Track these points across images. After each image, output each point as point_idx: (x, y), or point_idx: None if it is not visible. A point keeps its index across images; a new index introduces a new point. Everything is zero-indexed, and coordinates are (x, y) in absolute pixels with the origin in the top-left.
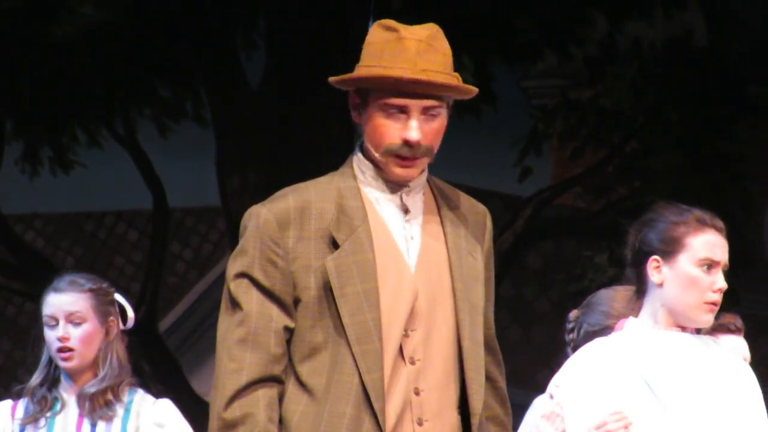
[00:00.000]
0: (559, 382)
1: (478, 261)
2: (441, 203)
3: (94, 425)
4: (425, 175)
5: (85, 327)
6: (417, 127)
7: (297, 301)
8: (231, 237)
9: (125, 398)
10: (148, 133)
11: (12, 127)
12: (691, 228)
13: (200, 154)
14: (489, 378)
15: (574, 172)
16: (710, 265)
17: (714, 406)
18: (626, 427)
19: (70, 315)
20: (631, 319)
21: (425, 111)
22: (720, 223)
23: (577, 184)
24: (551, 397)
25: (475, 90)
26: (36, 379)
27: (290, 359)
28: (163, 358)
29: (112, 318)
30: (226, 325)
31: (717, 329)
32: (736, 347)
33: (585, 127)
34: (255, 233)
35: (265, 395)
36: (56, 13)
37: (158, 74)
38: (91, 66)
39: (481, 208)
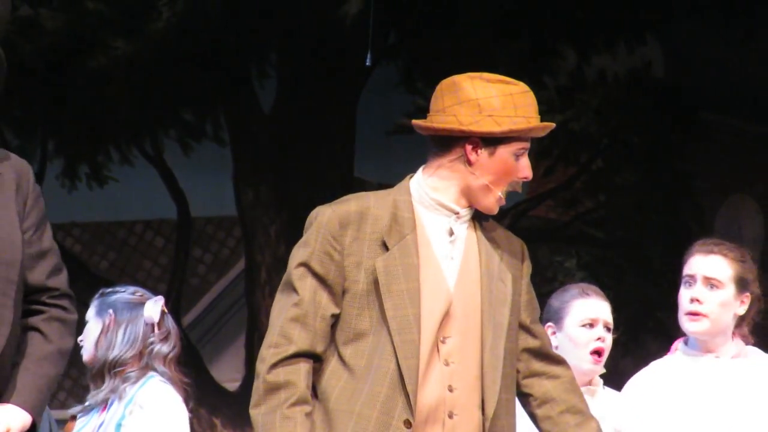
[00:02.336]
0: (620, 410)
1: (507, 287)
2: (480, 233)
3: (108, 409)
4: (472, 209)
5: (86, 326)
6: (525, 164)
7: (346, 292)
8: (246, 243)
9: (136, 385)
10: (173, 152)
11: (53, 146)
12: (686, 256)
13: (219, 170)
14: (554, 376)
15: (547, 187)
16: (688, 280)
17: (748, 422)
18: None
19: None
20: (680, 342)
21: (520, 150)
22: (710, 246)
23: (550, 197)
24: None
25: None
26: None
27: (335, 341)
28: (186, 349)
29: (109, 312)
30: (282, 305)
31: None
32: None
33: (556, 148)
34: (318, 229)
35: (305, 367)
36: (93, 47)
37: (182, 101)
38: (123, 93)
39: (519, 241)
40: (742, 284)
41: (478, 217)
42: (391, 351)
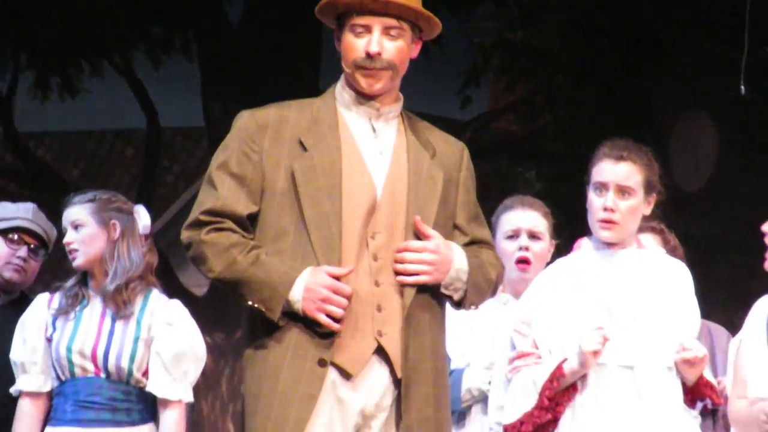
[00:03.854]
0: (527, 301)
1: (437, 185)
2: (410, 132)
3: (114, 321)
4: (398, 107)
5: (85, 230)
6: (377, 42)
7: (265, 191)
8: (213, 153)
9: (140, 298)
10: (144, 65)
11: (25, 59)
12: (594, 159)
13: (188, 83)
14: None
15: (508, 101)
16: (599, 187)
17: (653, 310)
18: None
19: (73, 222)
20: (585, 239)
21: (386, 31)
22: (619, 152)
23: (510, 111)
24: (526, 307)
25: (433, 18)
26: (71, 279)
27: (256, 238)
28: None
29: (113, 222)
30: (202, 198)
31: (643, 229)
32: (648, 243)
33: (517, 63)
34: (237, 132)
35: (234, 235)
36: None
37: (151, 15)
38: (94, 6)
39: (459, 144)
40: (650, 187)
41: (410, 119)
42: (309, 249)
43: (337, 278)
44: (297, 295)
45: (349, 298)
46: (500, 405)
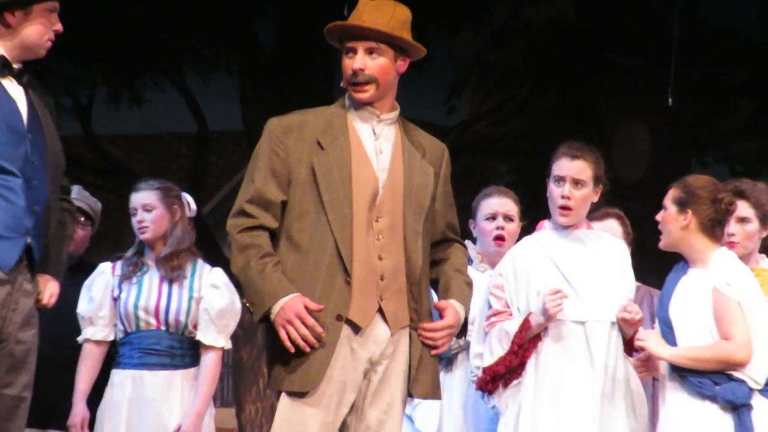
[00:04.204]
0: (501, 269)
1: (429, 177)
2: (404, 135)
3: (171, 284)
4: (395, 114)
5: (155, 212)
6: (360, 60)
7: (291, 182)
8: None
9: (190, 265)
10: (195, 80)
11: (101, 76)
12: (554, 157)
13: (230, 94)
14: (452, 252)
15: (484, 109)
16: (558, 179)
17: (599, 277)
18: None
19: (144, 205)
20: (546, 221)
21: (368, 51)
22: (574, 151)
23: (485, 118)
24: (500, 275)
25: (408, 41)
26: (130, 250)
27: (284, 221)
28: (205, 233)
29: (175, 206)
30: (244, 188)
31: (609, 215)
32: (613, 226)
33: (491, 79)
34: (267, 135)
35: (265, 234)
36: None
37: (201, 41)
38: (155, 34)
39: (442, 145)
40: (598, 180)
41: (405, 124)
42: (327, 226)
43: (309, 309)
44: (275, 310)
45: (312, 327)
46: (479, 353)
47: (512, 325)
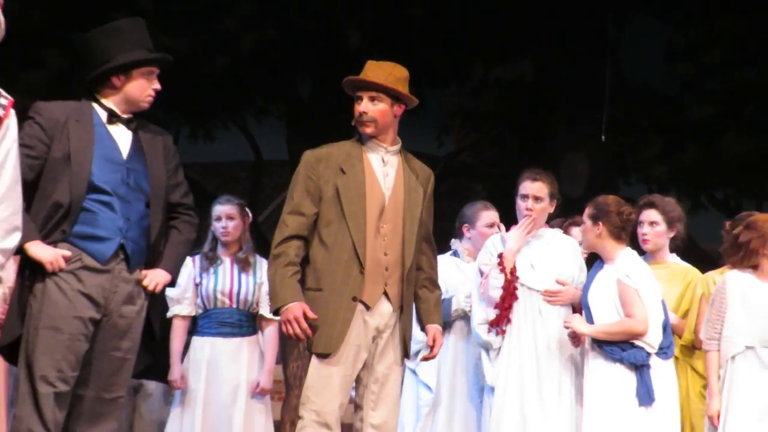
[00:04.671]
0: (486, 251)
1: (420, 195)
2: (404, 163)
3: (240, 273)
4: (398, 147)
5: (236, 221)
6: (364, 105)
7: (322, 198)
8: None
9: (252, 259)
10: (253, 123)
11: (183, 120)
12: (520, 179)
13: (278, 132)
14: (426, 258)
15: (465, 144)
16: (524, 196)
17: (552, 260)
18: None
19: (228, 215)
20: (514, 226)
21: (371, 99)
22: (535, 175)
23: (466, 150)
24: (486, 254)
25: (403, 94)
26: (206, 246)
27: (317, 227)
28: (260, 236)
29: (246, 217)
30: (286, 205)
31: (575, 223)
32: (577, 230)
33: (470, 122)
34: (303, 165)
35: (296, 243)
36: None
37: (257, 94)
38: (224, 89)
39: (429, 170)
40: (552, 196)
41: (405, 154)
42: (347, 231)
43: (305, 314)
44: (281, 310)
45: (309, 326)
46: (481, 322)
47: (495, 273)
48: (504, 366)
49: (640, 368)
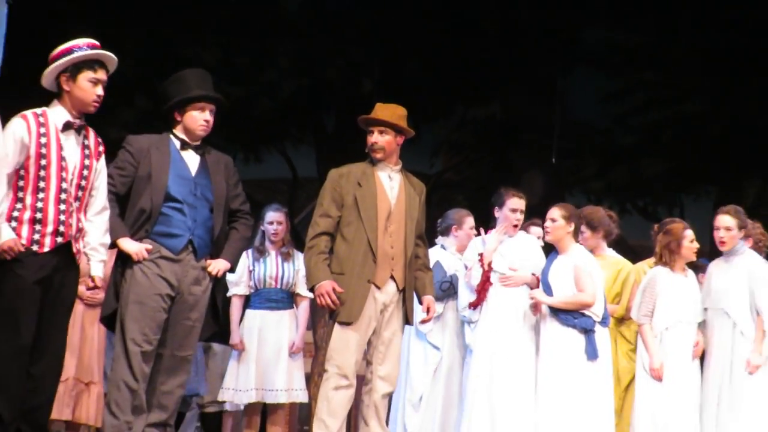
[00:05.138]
0: (472, 249)
1: (416, 203)
2: (405, 179)
3: (284, 262)
4: (400, 167)
5: (282, 225)
6: (375, 136)
7: (344, 204)
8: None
9: (293, 252)
10: (290, 148)
11: (239, 146)
12: (506, 197)
13: (310, 155)
14: (421, 250)
15: (451, 165)
16: (513, 210)
17: (520, 253)
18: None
19: (278, 221)
20: (492, 230)
21: (380, 132)
22: (519, 194)
23: (452, 170)
24: (473, 252)
25: (403, 128)
26: (257, 242)
27: (340, 226)
28: (296, 234)
29: (288, 221)
30: (316, 209)
31: (530, 224)
32: (538, 230)
33: (454, 149)
34: (329, 180)
35: (325, 238)
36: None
37: (293, 126)
38: (269, 121)
39: (422, 185)
40: (526, 208)
41: (405, 172)
42: (363, 230)
43: (335, 289)
44: (315, 287)
45: (337, 298)
46: (465, 305)
47: (476, 267)
48: (480, 334)
49: (588, 332)
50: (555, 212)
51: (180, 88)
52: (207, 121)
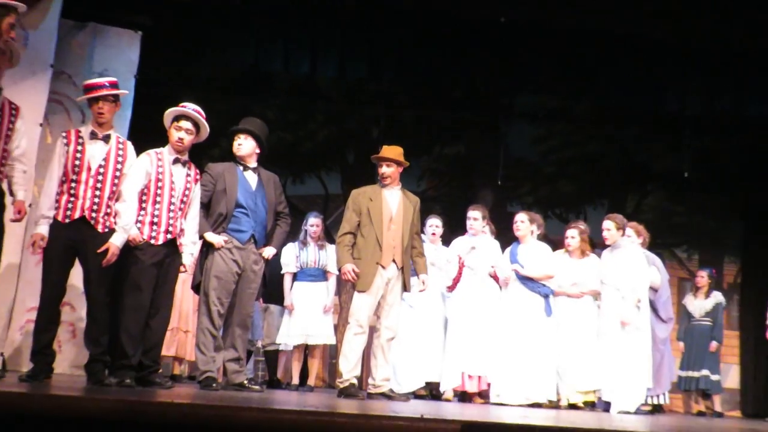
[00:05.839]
0: (451, 254)
1: (411, 210)
2: (403, 194)
3: (319, 251)
4: (399, 186)
5: (319, 227)
6: (383, 169)
7: (361, 213)
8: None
9: (326, 244)
10: (325, 177)
11: (288, 172)
12: (470, 209)
13: (336, 182)
14: (416, 242)
15: (431, 185)
16: (474, 219)
17: (486, 252)
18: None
19: (316, 224)
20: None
21: (387, 165)
22: (482, 209)
23: (432, 189)
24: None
25: (402, 162)
26: (301, 237)
27: (360, 228)
28: (327, 232)
29: (323, 224)
30: (344, 218)
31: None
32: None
33: (434, 175)
34: (351, 197)
35: (349, 236)
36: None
37: (326, 159)
38: (309, 157)
39: (416, 198)
40: (485, 217)
41: (404, 190)
42: (373, 230)
43: (355, 271)
44: (343, 266)
45: (356, 275)
46: (444, 289)
47: (454, 262)
48: (454, 305)
49: (546, 297)
50: (522, 216)
51: (237, 129)
52: (240, 144)
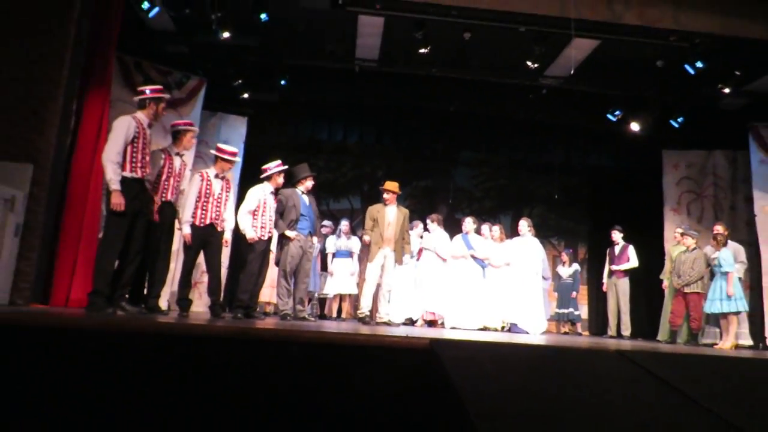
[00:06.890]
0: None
1: (401, 218)
2: (398, 209)
3: (347, 241)
4: (396, 204)
5: (347, 227)
6: (387, 195)
7: (374, 220)
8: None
9: (352, 237)
10: (351, 197)
11: (330, 197)
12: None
13: (358, 200)
14: (406, 236)
15: (409, 204)
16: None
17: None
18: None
19: (347, 224)
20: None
21: (388, 192)
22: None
23: (410, 207)
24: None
25: (397, 191)
26: (337, 233)
27: (373, 228)
28: (352, 230)
29: (352, 225)
30: (365, 223)
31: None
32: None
33: (412, 197)
34: (368, 212)
35: (368, 230)
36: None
37: (352, 189)
38: (341, 193)
39: (406, 210)
40: (440, 222)
41: (399, 205)
42: (378, 230)
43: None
44: (364, 239)
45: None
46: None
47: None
48: (423, 270)
49: (483, 267)
50: (468, 219)
51: (300, 171)
52: (308, 183)
